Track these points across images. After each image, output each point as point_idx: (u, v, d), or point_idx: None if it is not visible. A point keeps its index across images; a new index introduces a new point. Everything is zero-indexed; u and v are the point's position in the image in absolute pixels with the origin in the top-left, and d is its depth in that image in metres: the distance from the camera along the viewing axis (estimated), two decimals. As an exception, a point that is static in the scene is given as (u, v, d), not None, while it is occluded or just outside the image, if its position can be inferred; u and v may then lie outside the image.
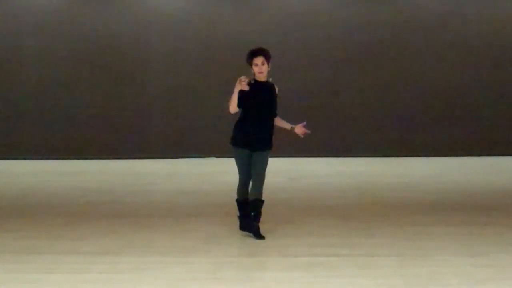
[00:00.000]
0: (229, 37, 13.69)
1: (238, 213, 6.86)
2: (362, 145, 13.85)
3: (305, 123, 6.80)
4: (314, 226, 7.17)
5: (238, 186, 6.82)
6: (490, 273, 5.37)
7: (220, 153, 13.53)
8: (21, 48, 13.87)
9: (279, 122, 6.86)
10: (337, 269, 5.53)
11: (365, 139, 13.84)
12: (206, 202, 8.88)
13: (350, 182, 10.61)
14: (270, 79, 6.74)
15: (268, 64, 6.65)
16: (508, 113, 13.85)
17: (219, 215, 7.87)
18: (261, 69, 6.60)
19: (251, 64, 6.64)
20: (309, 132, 6.82)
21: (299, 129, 6.82)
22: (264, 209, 6.70)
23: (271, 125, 6.74)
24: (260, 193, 6.61)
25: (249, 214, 6.63)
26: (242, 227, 6.77)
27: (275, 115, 6.80)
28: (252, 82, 6.56)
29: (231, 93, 6.51)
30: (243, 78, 6.47)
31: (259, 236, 6.57)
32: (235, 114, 6.68)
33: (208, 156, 13.76)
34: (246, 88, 6.45)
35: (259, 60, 6.60)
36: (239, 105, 6.56)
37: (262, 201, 6.64)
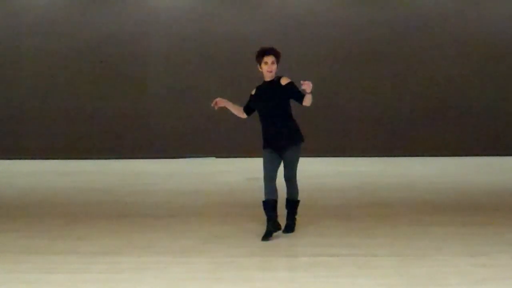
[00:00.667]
0: (229, 37, 13.69)
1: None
2: (362, 145, 13.85)
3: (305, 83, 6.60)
4: (314, 226, 7.16)
5: (264, 185, 6.62)
6: (490, 273, 5.37)
7: (220, 153, 13.53)
8: (21, 48, 13.87)
9: (306, 99, 6.55)
10: (337, 269, 5.52)
11: (365, 139, 13.84)
12: (206, 202, 8.87)
13: (350, 182, 10.60)
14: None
15: (277, 63, 6.65)
16: (507, 113, 13.85)
17: (219, 215, 7.87)
18: (270, 68, 6.60)
19: (260, 63, 6.62)
20: (308, 82, 6.55)
21: (305, 86, 6.51)
22: (263, 209, 6.71)
23: (287, 120, 6.65)
24: (296, 192, 6.80)
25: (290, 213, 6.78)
26: (265, 235, 6.57)
27: (286, 110, 6.66)
28: None
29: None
30: (217, 104, 6.69)
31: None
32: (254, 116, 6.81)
33: (208, 156, 13.76)
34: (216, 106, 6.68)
35: (269, 59, 6.59)
36: (247, 110, 6.81)
37: (298, 201, 6.88)
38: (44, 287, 5.16)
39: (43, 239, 6.71)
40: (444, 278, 5.25)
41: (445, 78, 13.84)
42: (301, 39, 13.77)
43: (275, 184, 6.62)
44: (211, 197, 9.25)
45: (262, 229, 6.68)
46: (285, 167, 6.73)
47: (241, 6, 13.92)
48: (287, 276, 5.36)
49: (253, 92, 6.75)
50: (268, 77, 6.66)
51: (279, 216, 6.65)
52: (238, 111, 6.86)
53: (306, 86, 6.40)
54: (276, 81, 6.68)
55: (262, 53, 6.62)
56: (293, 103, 6.66)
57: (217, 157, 13.65)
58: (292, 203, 6.83)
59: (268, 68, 6.60)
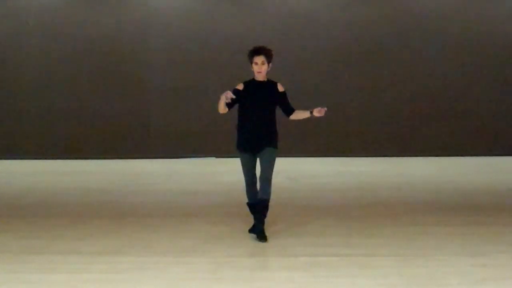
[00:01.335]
0: (229, 37, 13.69)
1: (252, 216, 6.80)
2: (362, 145, 13.85)
3: (324, 109, 6.67)
4: (314, 226, 7.16)
5: (246, 189, 6.80)
6: (490, 273, 5.37)
7: (220, 153, 13.53)
8: (21, 48, 13.87)
9: (298, 114, 6.75)
10: (337, 269, 5.53)
11: (365, 139, 13.84)
12: (206, 202, 8.88)
13: (350, 182, 10.60)
14: (278, 85, 6.72)
15: (268, 64, 6.59)
16: (507, 113, 13.85)
17: (219, 215, 7.87)
18: (260, 69, 6.55)
19: (251, 63, 6.59)
20: (326, 109, 6.66)
21: (317, 112, 6.65)
22: (249, 209, 6.74)
23: (271, 123, 6.65)
24: (269, 193, 6.58)
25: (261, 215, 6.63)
26: (255, 230, 6.67)
27: (273, 114, 6.68)
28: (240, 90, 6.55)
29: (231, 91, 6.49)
30: (229, 95, 6.39)
31: (262, 237, 6.54)
32: (236, 116, 6.66)
33: (208, 156, 13.76)
34: (228, 100, 6.40)
35: (259, 59, 6.53)
36: (229, 106, 6.56)
37: (267, 200, 6.62)
38: (44, 287, 5.17)
39: (43, 239, 6.71)
40: (444, 278, 5.25)
41: (445, 78, 13.84)
42: (301, 39, 13.76)
43: (256, 188, 6.73)
44: (211, 197, 9.25)
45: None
46: (263, 167, 6.59)
47: (241, 6, 13.92)
48: (287, 276, 5.36)
49: (240, 87, 6.57)
50: (259, 77, 6.61)
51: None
52: (221, 108, 6.57)
53: (320, 113, 6.60)
54: (271, 84, 6.64)
55: (253, 53, 6.56)
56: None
57: (217, 157, 13.65)
58: (264, 202, 6.57)
59: (258, 69, 6.54)
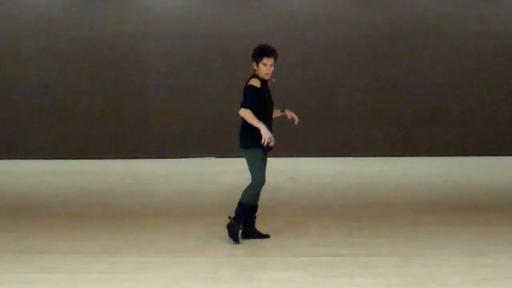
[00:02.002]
0: (229, 37, 13.69)
1: (238, 217, 6.47)
2: (362, 145, 13.85)
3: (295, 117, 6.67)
4: (314, 226, 7.16)
5: (257, 191, 6.44)
6: (490, 273, 5.37)
7: (220, 153, 13.53)
8: (21, 48, 13.87)
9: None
10: (337, 269, 5.53)
11: (365, 139, 13.85)
12: (206, 202, 8.87)
13: (350, 182, 10.60)
14: (273, 79, 6.63)
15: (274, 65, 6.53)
16: (507, 113, 13.86)
17: (219, 215, 7.87)
18: (269, 71, 6.44)
19: (258, 62, 6.43)
20: (296, 120, 6.64)
21: (289, 113, 6.65)
22: (264, 209, 6.70)
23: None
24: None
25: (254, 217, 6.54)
26: (251, 234, 6.55)
27: None
28: None
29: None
30: (271, 140, 6.23)
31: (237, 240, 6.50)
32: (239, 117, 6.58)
33: (208, 156, 13.76)
34: (268, 143, 6.22)
35: (269, 61, 6.39)
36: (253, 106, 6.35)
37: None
38: (44, 287, 5.16)
39: (43, 239, 6.71)
40: (444, 278, 5.25)
41: (445, 78, 13.84)
42: (301, 39, 13.77)
43: None
44: (211, 197, 9.25)
45: (262, 229, 6.67)
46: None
47: (242, 7, 13.92)
48: (287, 276, 5.36)
49: (258, 85, 6.38)
50: (265, 77, 6.52)
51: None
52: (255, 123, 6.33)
53: (290, 115, 6.58)
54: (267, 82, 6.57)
55: (262, 54, 6.41)
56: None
57: (217, 157, 13.65)
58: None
59: (266, 70, 6.42)
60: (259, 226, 6.68)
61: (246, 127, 6.40)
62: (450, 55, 13.83)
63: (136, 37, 13.83)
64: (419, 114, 13.85)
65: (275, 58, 6.45)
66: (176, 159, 13.62)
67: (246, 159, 6.48)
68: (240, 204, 6.43)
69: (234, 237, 6.42)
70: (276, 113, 6.71)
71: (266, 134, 6.20)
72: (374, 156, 13.67)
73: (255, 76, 6.43)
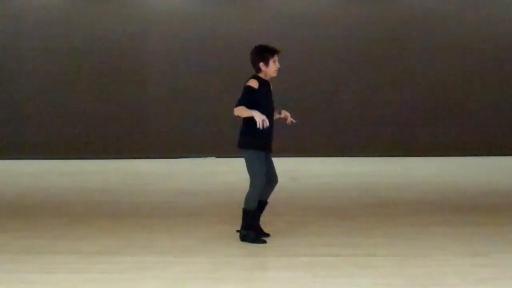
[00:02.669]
0: (229, 37, 13.69)
1: (249, 223, 6.40)
2: (362, 145, 13.86)
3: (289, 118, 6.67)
4: (314, 226, 7.16)
5: (258, 194, 6.37)
6: (490, 273, 5.36)
7: (220, 153, 13.53)
8: (21, 48, 13.87)
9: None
10: (337, 269, 5.52)
11: (365, 139, 13.85)
12: (206, 202, 8.87)
13: (350, 182, 10.60)
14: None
15: None
16: (507, 113, 13.86)
17: (219, 215, 7.87)
18: (278, 67, 6.45)
19: (268, 60, 6.33)
20: (289, 119, 6.62)
21: (284, 113, 6.62)
22: (264, 209, 6.71)
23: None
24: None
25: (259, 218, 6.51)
26: (260, 238, 6.47)
27: None
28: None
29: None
30: (265, 124, 6.21)
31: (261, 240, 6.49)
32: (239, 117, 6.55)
33: (208, 156, 13.76)
34: (266, 126, 6.19)
35: (277, 57, 6.39)
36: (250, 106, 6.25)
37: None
38: (44, 287, 5.16)
39: (43, 239, 6.71)
40: (444, 278, 5.25)
41: (445, 78, 13.84)
42: (301, 39, 13.77)
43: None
44: (211, 197, 9.25)
45: (263, 229, 6.66)
46: (273, 170, 6.54)
47: (241, 6, 13.92)
48: (287, 276, 5.36)
49: (256, 86, 6.29)
50: (273, 75, 6.46)
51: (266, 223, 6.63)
52: (246, 115, 6.27)
53: (285, 114, 6.54)
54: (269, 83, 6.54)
55: (274, 50, 6.34)
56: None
57: (217, 157, 13.65)
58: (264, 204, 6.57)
59: (276, 67, 6.42)
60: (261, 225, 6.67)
61: (246, 128, 6.38)
62: (450, 55, 13.82)
63: (136, 37, 13.83)
64: (419, 114, 13.85)
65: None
66: (176, 159, 13.61)
67: (245, 160, 6.43)
68: (245, 211, 6.39)
69: (256, 241, 6.35)
70: (276, 116, 6.66)
71: (259, 117, 6.09)
72: (374, 156, 13.66)
73: (255, 77, 6.40)
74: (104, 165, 13.01)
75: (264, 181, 6.36)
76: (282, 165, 11.97)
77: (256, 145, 6.33)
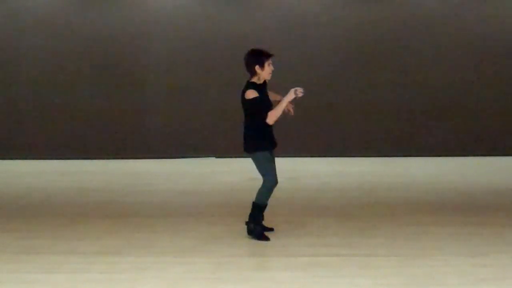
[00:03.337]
0: (229, 37, 13.69)
1: (257, 217, 6.57)
2: (362, 145, 13.85)
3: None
4: (314, 226, 7.16)
5: (270, 191, 6.53)
6: (490, 273, 5.37)
7: (220, 153, 13.53)
8: (21, 48, 13.87)
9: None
10: (337, 269, 5.53)
11: (365, 139, 13.84)
12: (206, 202, 8.88)
13: (350, 182, 10.60)
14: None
15: None
16: (508, 113, 13.85)
17: (219, 215, 7.88)
18: (272, 69, 6.58)
19: (263, 63, 6.48)
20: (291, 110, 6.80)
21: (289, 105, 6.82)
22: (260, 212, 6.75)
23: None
24: None
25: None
26: (264, 234, 6.61)
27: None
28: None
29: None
30: (299, 90, 6.45)
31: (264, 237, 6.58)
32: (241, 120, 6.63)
33: (208, 156, 13.76)
34: (300, 95, 6.41)
35: (271, 61, 6.55)
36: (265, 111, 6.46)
37: None
38: (44, 287, 5.17)
39: (43, 239, 6.71)
40: (444, 278, 5.25)
41: (445, 78, 13.83)
42: (300, 39, 13.76)
43: None
44: (211, 197, 9.25)
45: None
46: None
47: (241, 6, 13.92)
48: (287, 276, 5.36)
49: (257, 95, 6.45)
50: (268, 78, 6.62)
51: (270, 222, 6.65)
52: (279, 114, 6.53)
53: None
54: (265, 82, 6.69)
55: (267, 54, 6.50)
56: None
57: (217, 157, 13.65)
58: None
59: (270, 70, 6.56)
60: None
61: (250, 131, 6.50)
62: (450, 55, 13.82)
63: (136, 37, 13.83)
64: (419, 114, 13.84)
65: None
66: (176, 159, 13.61)
67: (254, 163, 6.59)
68: (254, 204, 6.54)
69: (261, 237, 6.52)
70: (277, 97, 6.77)
71: (291, 96, 6.49)
72: (374, 156, 13.66)
73: (251, 85, 6.47)
74: (104, 165, 13.01)
75: (276, 180, 6.53)
76: (282, 165, 11.98)
77: (263, 147, 6.52)
